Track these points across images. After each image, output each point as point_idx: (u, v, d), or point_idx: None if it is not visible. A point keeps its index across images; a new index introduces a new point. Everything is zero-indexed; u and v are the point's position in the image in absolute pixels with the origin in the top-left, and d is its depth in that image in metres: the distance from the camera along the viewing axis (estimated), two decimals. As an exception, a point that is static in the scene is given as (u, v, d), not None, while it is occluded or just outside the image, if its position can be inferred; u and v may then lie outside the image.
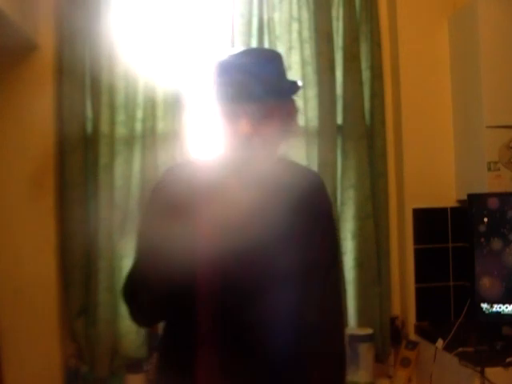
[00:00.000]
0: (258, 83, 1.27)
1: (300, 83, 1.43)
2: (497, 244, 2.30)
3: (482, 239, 2.33)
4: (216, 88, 1.32)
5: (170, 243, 1.21)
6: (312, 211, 1.36)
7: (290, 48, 2.62)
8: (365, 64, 2.67)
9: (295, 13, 2.62)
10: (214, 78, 1.33)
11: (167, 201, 1.30)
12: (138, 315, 1.36)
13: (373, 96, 2.66)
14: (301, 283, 1.32)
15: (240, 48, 1.43)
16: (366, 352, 2.43)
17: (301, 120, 2.63)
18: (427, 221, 2.63)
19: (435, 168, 2.65)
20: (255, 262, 1.29)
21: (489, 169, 2.39)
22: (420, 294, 2.60)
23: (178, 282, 1.23)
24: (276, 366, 1.31)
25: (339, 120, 2.64)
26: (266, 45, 2.58)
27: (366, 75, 2.66)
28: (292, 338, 1.31)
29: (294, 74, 2.61)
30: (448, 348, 2.23)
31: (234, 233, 1.28)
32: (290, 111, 1.40)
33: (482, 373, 2.00)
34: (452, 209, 2.64)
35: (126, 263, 2.46)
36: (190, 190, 1.30)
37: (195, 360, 1.28)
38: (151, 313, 1.35)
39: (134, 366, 2.44)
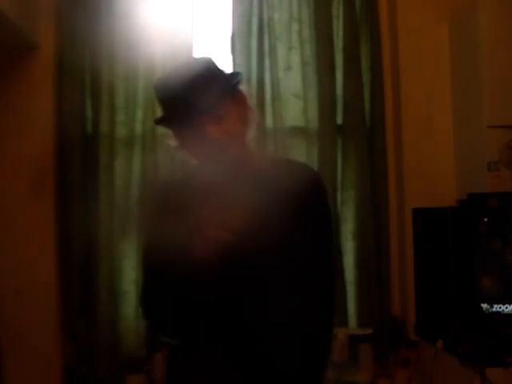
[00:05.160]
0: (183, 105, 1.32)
1: (237, 77, 1.44)
2: (497, 244, 2.30)
3: (482, 239, 2.33)
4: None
5: (177, 242, 1.25)
6: (304, 208, 1.36)
7: (290, 48, 2.62)
8: (365, 64, 2.67)
9: (295, 13, 2.62)
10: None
11: (169, 204, 1.38)
12: (161, 316, 1.41)
13: (373, 96, 2.66)
14: (294, 282, 1.34)
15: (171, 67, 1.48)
16: (366, 352, 2.43)
17: (301, 120, 2.64)
18: (427, 221, 2.63)
19: (435, 168, 2.65)
20: (251, 261, 1.31)
21: (489, 169, 2.39)
22: (420, 294, 2.60)
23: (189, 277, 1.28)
24: (273, 364, 1.33)
25: (339, 120, 2.64)
26: (266, 45, 2.58)
27: (366, 76, 2.66)
28: (288, 336, 1.33)
29: (294, 74, 2.62)
30: (448, 348, 2.23)
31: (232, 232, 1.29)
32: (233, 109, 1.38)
33: (482, 373, 2.00)
34: (452, 209, 2.64)
35: (126, 263, 2.47)
36: (189, 193, 1.38)
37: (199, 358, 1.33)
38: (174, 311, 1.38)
39: (134, 365, 2.44)
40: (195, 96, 1.31)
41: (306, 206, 1.36)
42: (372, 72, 2.66)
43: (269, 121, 2.59)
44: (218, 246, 1.24)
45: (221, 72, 1.41)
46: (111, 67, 2.45)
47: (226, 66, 2.59)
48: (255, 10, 2.57)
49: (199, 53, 2.58)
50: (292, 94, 2.62)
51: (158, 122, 1.44)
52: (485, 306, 2.31)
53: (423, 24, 2.66)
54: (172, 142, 1.41)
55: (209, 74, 1.38)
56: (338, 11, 2.65)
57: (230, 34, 2.59)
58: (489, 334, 2.26)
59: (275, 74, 2.59)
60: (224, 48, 2.61)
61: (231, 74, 1.45)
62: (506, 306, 2.28)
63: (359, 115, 2.62)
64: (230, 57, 2.59)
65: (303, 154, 2.61)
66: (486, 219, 2.32)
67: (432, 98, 2.66)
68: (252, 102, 1.45)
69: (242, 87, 1.43)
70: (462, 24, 2.58)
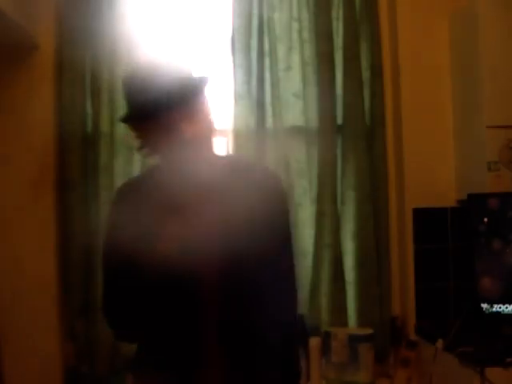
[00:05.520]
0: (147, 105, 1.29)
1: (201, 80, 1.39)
2: (497, 244, 2.30)
3: (482, 239, 2.33)
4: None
5: (136, 247, 1.27)
6: (264, 212, 1.39)
7: (290, 48, 2.62)
8: (365, 64, 2.67)
9: (295, 13, 2.62)
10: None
11: (129, 207, 1.39)
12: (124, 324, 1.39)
13: (373, 96, 2.66)
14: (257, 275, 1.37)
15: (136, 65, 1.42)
16: (366, 352, 2.43)
17: (301, 120, 2.64)
18: (427, 221, 2.63)
19: (435, 168, 2.65)
20: (207, 262, 1.33)
21: (489, 169, 2.39)
22: (420, 294, 2.60)
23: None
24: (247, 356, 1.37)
25: (339, 120, 2.64)
26: (266, 45, 2.58)
27: (365, 75, 2.66)
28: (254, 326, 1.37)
29: (294, 74, 2.62)
30: (448, 348, 2.23)
31: (190, 232, 1.31)
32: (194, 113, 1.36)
33: (482, 373, 2.00)
34: (452, 209, 2.64)
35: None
36: (151, 194, 1.38)
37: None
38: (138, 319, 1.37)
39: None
40: (168, 91, 1.28)
41: (266, 211, 1.39)
42: (372, 72, 2.66)
43: (269, 121, 2.59)
44: (171, 257, 1.26)
45: (190, 70, 1.39)
46: (111, 67, 2.45)
47: (226, 65, 2.60)
48: (255, 10, 2.57)
49: (199, 53, 2.58)
50: (292, 93, 2.62)
51: (124, 119, 1.38)
52: (485, 305, 2.31)
53: (423, 24, 2.67)
54: (136, 141, 1.38)
55: (180, 70, 1.36)
56: (337, 11, 2.65)
57: (230, 34, 2.59)
58: (489, 334, 2.26)
59: (275, 74, 2.59)
60: (224, 48, 2.61)
61: (200, 76, 1.41)
62: (506, 305, 2.28)
63: (359, 115, 2.62)
64: (230, 57, 2.58)
65: (303, 153, 2.61)
66: (486, 219, 2.32)
67: (432, 97, 2.66)
68: (213, 108, 1.43)
69: (207, 91, 1.41)
70: (462, 24, 2.58)
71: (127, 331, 1.42)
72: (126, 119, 1.37)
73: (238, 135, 2.55)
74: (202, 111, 1.37)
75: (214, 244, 1.32)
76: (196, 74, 1.40)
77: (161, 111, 1.29)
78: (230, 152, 2.57)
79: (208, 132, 1.40)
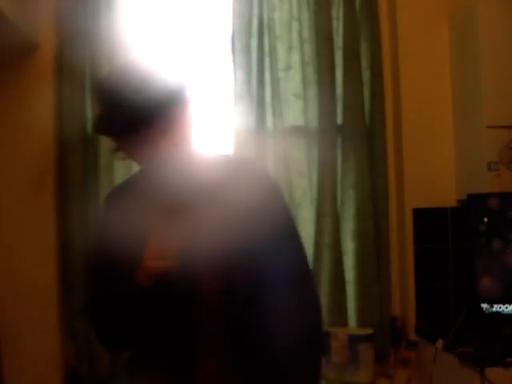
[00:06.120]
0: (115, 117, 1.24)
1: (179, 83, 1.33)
2: (497, 244, 2.30)
3: (482, 239, 2.33)
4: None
5: (124, 257, 1.24)
6: (261, 211, 1.32)
7: (290, 48, 2.62)
8: (365, 64, 2.66)
9: (295, 13, 2.62)
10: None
11: (116, 214, 1.34)
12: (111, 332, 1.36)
13: (373, 96, 2.66)
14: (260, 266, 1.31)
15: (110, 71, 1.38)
16: (366, 352, 2.43)
17: (301, 120, 2.64)
18: (427, 221, 2.63)
19: (435, 168, 2.65)
20: (206, 263, 1.28)
21: (489, 169, 2.38)
22: (420, 294, 2.60)
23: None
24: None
25: (339, 120, 2.64)
26: (266, 45, 2.58)
27: (366, 75, 2.66)
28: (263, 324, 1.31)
29: (294, 73, 2.62)
30: (448, 348, 2.22)
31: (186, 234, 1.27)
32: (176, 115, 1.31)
33: (482, 373, 2.00)
34: (452, 209, 2.64)
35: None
36: (136, 201, 1.32)
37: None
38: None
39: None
40: (143, 104, 1.22)
41: (263, 209, 1.32)
42: (372, 72, 2.66)
43: (269, 121, 2.59)
44: (158, 272, 1.23)
45: (171, 79, 1.32)
46: (111, 67, 2.45)
47: (226, 65, 2.60)
48: (255, 10, 2.57)
49: (199, 53, 2.58)
50: (292, 93, 2.62)
51: (98, 130, 1.33)
52: (485, 305, 2.31)
53: (423, 24, 2.66)
54: (112, 146, 1.34)
55: (159, 79, 1.28)
56: (337, 11, 2.65)
57: (230, 34, 2.59)
58: (489, 334, 2.26)
59: (275, 74, 2.59)
60: (224, 48, 2.61)
61: (179, 83, 1.34)
62: (506, 305, 2.28)
63: (359, 115, 2.62)
64: (230, 56, 2.59)
65: (303, 153, 2.61)
66: (486, 219, 2.32)
67: (432, 97, 2.66)
68: (198, 104, 1.38)
69: (191, 88, 1.35)
70: (462, 24, 2.58)
71: (118, 342, 1.39)
72: (98, 130, 1.33)
73: (238, 135, 2.55)
74: (183, 119, 1.32)
75: (210, 245, 1.28)
76: (175, 81, 1.32)
77: (135, 127, 1.24)
78: (230, 151, 2.57)
79: (189, 137, 1.35)
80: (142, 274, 1.24)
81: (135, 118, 1.23)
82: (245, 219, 1.29)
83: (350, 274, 2.62)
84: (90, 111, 2.50)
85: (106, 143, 2.45)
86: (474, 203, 2.37)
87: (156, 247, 1.23)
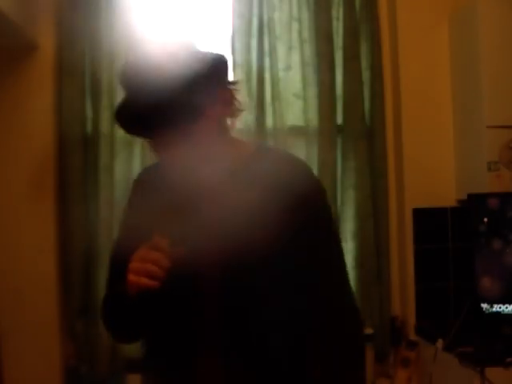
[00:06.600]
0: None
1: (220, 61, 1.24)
2: (497, 244, 2.30)
3: (482, 239, 2.33)
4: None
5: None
6: (298, 202, 1.23)
7: (290, 48, 2.62)
8: (365, 64, 2.66)
9: (295, 13, 2.62)
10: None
11: (144, 201, 1.26)
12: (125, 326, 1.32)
13: (373, 96, 2.66)
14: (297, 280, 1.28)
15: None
16: (365, 352, 2.42)
17: (301, 120, 2.64)
18: (427, 221, 2.63)
19: (435, 168, 2.65)
20: (242, 260, 1.20)
21: (489, 169, 2.39)
22: (420, 294, 2.60)
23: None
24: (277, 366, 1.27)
25: (339, 120, 2.64)
26: (266, 45, 2.58)
27: (366, 75, 2.66)
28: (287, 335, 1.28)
29: (294, 73, 2.62)
30: (448, 348, 2.22)
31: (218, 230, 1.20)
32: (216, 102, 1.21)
33: (482, 373, 2.00)
34: (452, 209, 2.64)
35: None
36: (167, 188, 1.23)
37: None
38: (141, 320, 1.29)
39: (134, 365, 2.44)
40: (183, 94, 1.10)
41: (304, 209, 1.24)
42: (372, 71, 2.66)
43: (269, 121, 2.59)
44: (139, 289, 1.13)
45: (205, 57, 1.22)
46: (111, 67, 2.45)
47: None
48: (255, 10, 2.57)
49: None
50: (292, 93, 2.62)
51: (127, 126, 1.14)
52: (485, 305, 2.31)
53: (423, 24, 2.66)
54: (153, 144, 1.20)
55: (196, 62, 1.17)
56: (337, 11, 2.65)
57: (230, 34, 2.59)
58: (489, 334, 2.26)
59: (275, 74, 2.59)
60: (224, 47, 2.61)
61: (214, 56, 1.24)
62: (506, 305, 2.28)
63: (359, 115, 2.62)
64: (230, 56, 2.58)
65: (303, 153, 2.61)
66: (485, 219, 2.32)
67: (432, 97, 2.66)
68: (239, 85, 1.27)
69: (229, 70, 1.27)
70: (462, 24, 2.58)
71: (126, 333, 1.36)
72: (127, 128, 1.16)
73: (237, 135, 2.55)
74: (222, 104, 1.19)
75: (216, 242, 1.21)
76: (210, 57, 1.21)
77: (171, 125, 1.11)
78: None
79: (228, 125, 1.25)
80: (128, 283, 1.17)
81: (178, 110, 1.11)
82: (277, 220, 1.19)
83: (350, 273, 2.61)
84: (90, 111, 2.51)
85: (106, 143, 2.46)
86: (473, 203, 2.37)
87: (144, 258, 1.12)
